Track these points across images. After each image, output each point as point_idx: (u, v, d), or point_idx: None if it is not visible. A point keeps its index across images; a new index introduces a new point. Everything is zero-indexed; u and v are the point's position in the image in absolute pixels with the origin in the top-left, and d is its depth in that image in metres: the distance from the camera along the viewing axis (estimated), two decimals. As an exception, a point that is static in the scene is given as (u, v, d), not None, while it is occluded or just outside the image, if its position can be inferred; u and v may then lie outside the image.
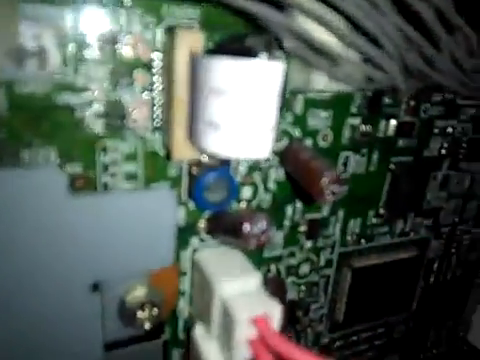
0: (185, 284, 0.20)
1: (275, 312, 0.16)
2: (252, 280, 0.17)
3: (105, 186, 0.16)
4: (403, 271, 0.25)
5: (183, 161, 0.17)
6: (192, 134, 0.15)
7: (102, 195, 0.16)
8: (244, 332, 0.16)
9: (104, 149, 0.16)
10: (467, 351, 0.32)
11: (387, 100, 0.21)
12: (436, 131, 0.23)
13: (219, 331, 0.17)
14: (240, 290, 0.17)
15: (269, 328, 0.16)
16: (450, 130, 0.23)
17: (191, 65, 0.14)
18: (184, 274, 0.19)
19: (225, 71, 0.13)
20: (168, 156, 0.17)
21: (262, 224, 0.16)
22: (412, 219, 0.25)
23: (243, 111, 0.13)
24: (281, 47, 0.14)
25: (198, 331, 0.19)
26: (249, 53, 0.15)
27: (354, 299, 0.24)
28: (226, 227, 0.17)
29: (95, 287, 0.17)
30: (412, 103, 0.22)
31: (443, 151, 0.24)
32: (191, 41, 0.14)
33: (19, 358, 0.16)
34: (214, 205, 0.17)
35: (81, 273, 0.16)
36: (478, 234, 0.28)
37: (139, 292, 0.18)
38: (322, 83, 0.16)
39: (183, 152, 0.15)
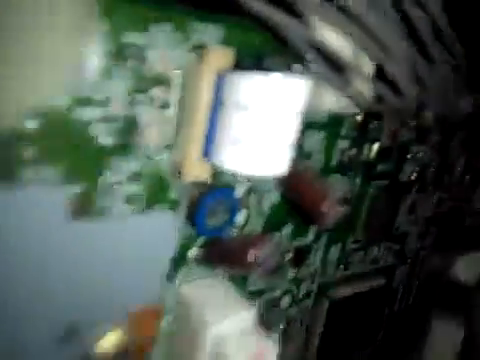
0: (164, 325, 0.17)
1: (270, 350, 0.14)
2: (245, 315, 0.15)
3: (101, 210, 0.13)
4: (372, 301, 0.25)
5: (194, 180, 0.14)
6: (208, 151, 0.13)
7: (99, 220, 0.13)
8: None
9: (108, 168, 0.13)
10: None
11: (372, 124, 0.21)
12: (409, 156, 0.24)
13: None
14: (233, 328, 0.15)
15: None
16: (420, 155, 0.24)
17: (216, 82, 0.12)
18: (164, 314, 0.16)
19: (253, 87, 0.12)
20: (178, 175, 0.14)
21: (269, 250, 0.14)
22: (384, 245, 0.25)
23: (265, 127, 0.12)
24: (301, 64, 0.13)
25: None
26: (270, 71, 0.13)
27: (327, 334, 0.23)
28: (227, 255, 0.15)
29: (67, 333, 0.13)
30: (393, 128, 0.22)
31: (413, 176, 0.24)
32: (220, 59, 0.13)
33: None
34: (213, 230, 0.15)
35: (57, 313, 0.13)
36: (435, 258, 0.29)
37: (110, 340, 0.15)
38: (328, 104, 0.15)
39: (195, 171, 0.13)
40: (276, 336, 0.17)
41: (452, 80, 0.18)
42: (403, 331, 0.29)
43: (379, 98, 0.15)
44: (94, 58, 0.12)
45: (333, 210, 0.16)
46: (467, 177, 0.27)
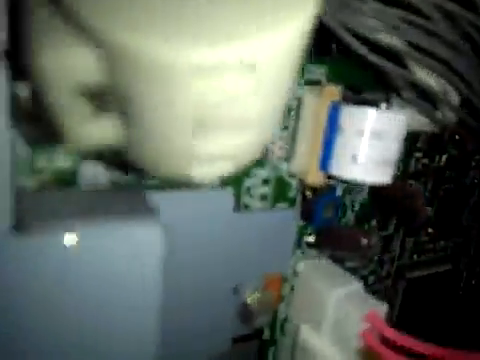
0: (285, 290, 0.23)
1: (381, 310, 0.20)
2: (355, 285, 0.21)
3: (245, 205, 0.20)
4: (441, 283, 0.30)
5: (314, 184, 0.20)
6: (326, 164, 0.19)
7: (246, 213, 0.19)
8: (359, 327, 0.20)
9: (248, 175, 0.19)
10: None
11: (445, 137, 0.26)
12: (473, 164, 0.28)
13: (332, 330, 0.21)
14: (349, 293, 0.21)
15: (381, 321, 0.19)
16: (483, 163, 0.29)
17: (330, 110, 0.18)
18: (285, 280, 0.23)
19: (366, 118, 0.17)
20: (300, 181, 0.20)
21: (375, 238, 0.20)
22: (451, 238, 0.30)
23: (377, 149, 0.17)
24: (399, 96, 0.19)
25: (305, 333, 0.22)
26: (370, 104, 0.19)
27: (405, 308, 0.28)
28: (341, 240, 0.21)
29: (235, 290, 0.20)
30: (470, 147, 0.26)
31: (476, 180, 0.29)
32: (332, 93, 0.18)
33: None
34: (326, 221, 0.21)
35: (226, 278, 0.19)
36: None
37: (257, 295, 0.21)
38: (416, 124, 0.21)
39: (315, 178, 0.19)
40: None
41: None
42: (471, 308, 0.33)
43: (461, 121, 0.20)
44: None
45: (424, 209, 0.21)
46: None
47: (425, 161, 0.26)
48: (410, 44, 0.17)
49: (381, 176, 0.18)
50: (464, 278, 0.32)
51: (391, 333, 0.19)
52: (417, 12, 0.16)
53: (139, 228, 0.11)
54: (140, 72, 0.08)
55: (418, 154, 0.25)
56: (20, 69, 0.09)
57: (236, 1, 0.09)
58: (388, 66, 0.17)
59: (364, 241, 0.19)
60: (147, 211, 0.13)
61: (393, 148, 0.18)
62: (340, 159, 0.18)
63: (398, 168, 0.24)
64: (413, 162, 0.25)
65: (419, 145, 0.25)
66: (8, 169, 0.11)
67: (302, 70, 0.19)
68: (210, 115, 0.09)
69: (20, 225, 0.11)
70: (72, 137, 0.10)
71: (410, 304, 0.28)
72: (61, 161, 0.14)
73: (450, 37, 0.17)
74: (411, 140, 0.24)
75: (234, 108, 0.09)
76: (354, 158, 0.18)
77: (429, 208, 0.22)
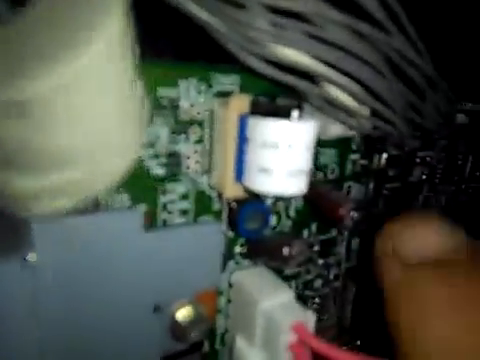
0: (221, 302, 0.23)
1: (310, 319, 0.20)
2: (286, 294, 0.21)
3: (164, 222, 0.19)
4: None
5: (232, 198, 0.20)
6: (240, 176, 0.18)
7: (164, 230, 0.19)
8: (287, 338, 0.19)
9: (164, 191, 0.19)
10: None
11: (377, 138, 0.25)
12: (418, 161, 0.28)
13: (262, 340, 0.20)
14: (278, 303, 0.20)
15: (307, 332, 0.19)
16: (428, 159, 0.28)
17: (239, 122, 0.18)
18: (221, 293, 0.23)
19: (273, 129, 0.17)
20: (218, 195, 0.20)
21: (299, 247, 0.19)
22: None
23: (288, 160, 0.17)
24: (310, 103, 0.18)
25: (240, 342, 0.22)
26: (282, 111, 0.18)
27: (358, 308, 0.28)
28: (266, 251, 0.20)
29: (156, 308, 0.19)
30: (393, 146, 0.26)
31: (423, 177, 0.29)
32: (240, 105, 0.18)
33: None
34: (252, 232, 0.21)
35: (145, 297, 0.19)
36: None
37: (188, 310, 0.21)
38: (334, 131, 0.20)
39: (233, 191, 0.19)
40: (311, 310, 0.22)
41: (442, 100, 0.22)
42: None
43: (376, 127, 0.20)
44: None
45: (348, 214, 0.21)
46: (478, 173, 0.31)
47: (363, 162, 0.25)
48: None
49: (294, 187, 0.18)
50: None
51: (316, 343, 0.19)
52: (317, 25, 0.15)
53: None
54: None
55: (354, 156, 0.25)
56: None
57: (36, 38, 0.08)
58: (301, 85, 0.17)
59: (286, 251, 0.19)
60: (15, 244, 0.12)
61: (302, 156, 0.17)
62: (251, 172, 0.18)
63: (332, 171, 0.24)
64: (350, 164, 0.25)
65: (354, 147, 0.25)
66: None
67: (211, 81, 0.19)
68: (19, 152, 0.09)
69: None
70: None
71: (363, 307, 0.28)
72: None
73: (365, 56, 0.16)
74: (343, 144, 0.24)
75: (46, 143, 0.09)
76: (263, 170, 0.17)
77: (357, 213, 0.21)
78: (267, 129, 0.17)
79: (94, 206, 0.17)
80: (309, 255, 0.25)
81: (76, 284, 0.16)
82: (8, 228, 0.13)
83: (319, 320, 0.27)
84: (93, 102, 0.09)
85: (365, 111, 0.18)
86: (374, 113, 0.19)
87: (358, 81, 0.17)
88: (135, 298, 0.19)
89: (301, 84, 0.16)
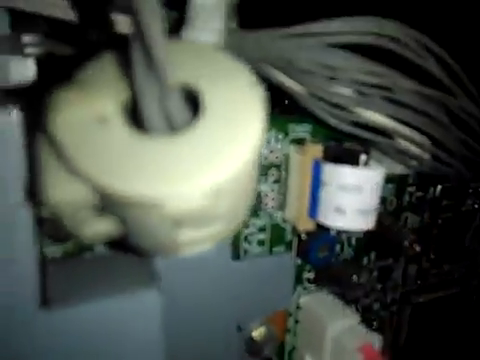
0: (290, 322, 0.25)
1: (376, 341, 0.22)
2: (352, 319, 0.23)
3: (245, 251, 0.22)
4: (450, 306, 0.31)
5: (304, 230, 0.23)
6: (314, 213, 0.21)
7: (246, 259, 0.22)
8: (355, 357, 0.21)
9: (246, 225, 0.22)
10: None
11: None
12: (470, 191, 0.29)
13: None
14: (345, 326, 0.23)
15: (375, 353, 0.21)
16: (480, 189, 0.30)
17: (313, 167, 0.21)
18: (290, 315, 0.25)
19: (347, 175, 0.19)
20: (294, 227, 0.23)
21: (366, 276, 0.21)
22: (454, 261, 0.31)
23: (359, 201, 0.19)
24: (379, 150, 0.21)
25: (309, 360, 0.24)
26: (350, 155, 0.21)
27: (413, 333, 0.30)
28: (335, 278, 0.23)
29: (238, 328, 0.22)
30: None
31: (476, 205, 0.30)
32: (314, 151, 0.21)
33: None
34: (321, 260, 0.23)
35: (229, 317, 0.22)
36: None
37: (261, 330, 0.24)
38: (397, 170, 0.23)
39: (305, 224, 0.21)
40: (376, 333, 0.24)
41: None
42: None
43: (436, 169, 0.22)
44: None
45: (412, 246, 0.23)
46: None
47: (419, 194, 0.27)
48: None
49: (362, 224, 0.20)
50: (474, 300, 0.33)
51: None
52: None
53: (138, 296, 0.14)
54: (126, 207, 0.11)
55: (411, 188, 0.27)
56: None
57: (192, 146, 0.11)
58: (378, 139, 0.19)
59: (355, 278, 0.21)
60: (148, 277, 0.15)
61: (371, 198, 0.20)
62: (325, 210, 0.20)
63: (391, 203, 0.26)
64: (407, 196, 0.27)
65: (410, 181, 0.27)
66: (33, 252, 0.14)
67: (287, 130, 0.21)
68: (184, 222, 0.11)
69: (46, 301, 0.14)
70: (81, 236, 0.13)
71: (418, 329, 0.30)
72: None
73: (432, 113, 0.18)
74: (401, 178, 0.26)
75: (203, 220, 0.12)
76: (337, 209, 0.20)
77: (417, 245, 0.23)
78: (342, 175, 0.19)
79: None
80: (372, 284, 0.27)
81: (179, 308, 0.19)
82: (135, 262, 0.16)
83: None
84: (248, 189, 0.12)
85: (426, 156, 0.21)
86: (434, 157, 0.21)
87: (424, 132, 0.19)
88: (220, 318, 0.21)
89: (378, 139, 0.18)
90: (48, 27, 0.18)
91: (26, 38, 0.18)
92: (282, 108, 0.21)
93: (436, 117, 0.18)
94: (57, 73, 0.14)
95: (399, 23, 0.15)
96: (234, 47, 0.17)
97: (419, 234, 0.28)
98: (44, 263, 0.16)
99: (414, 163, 0.21)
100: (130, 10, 0.11)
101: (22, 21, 0.18)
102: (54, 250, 0.17)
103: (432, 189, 0.28)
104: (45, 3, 0.15)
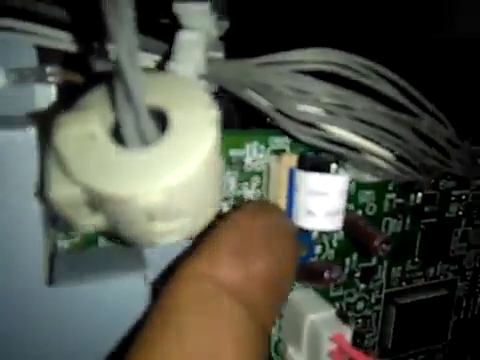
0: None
1: (347, 332, 0.24)
2: (329, 312, 0.25)
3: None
4: (436, 307, 0.33)
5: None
6: (290, 216, 0.24)
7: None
8: (328, 347, 0.24)
9: (232, 226, 0.25)
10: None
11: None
12: (453, 199, 0.31)
13: (308, 349, 0.25)
14: (321, 318, 0.25)
15: (345, 342, 0.24)
16: (464, 197, 0.32)
17: (289, 175, 0.23)
18: (276, 309, 0.28)
19: (314, 181, 0.22)
20: None
21: (337, 271, 0.24)
22: (441, 265, 0.33)
23: (326, 204, 0.22)
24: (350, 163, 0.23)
25: (291, 351, 0.26)
26: (323, 164, 0.24)
27: (399, 330, 0.32)
28: (310, 274, 0.25)
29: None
30: (433, 181, 0.30)
31: (460, 213, 0.32)
32: (289, 161, 0.23)
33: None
34: (300, 259, 0.26)
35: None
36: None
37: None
38: (369, 179, 0.25)
39: (284, 227, 0.24)
40: (350, 327, 0.26)
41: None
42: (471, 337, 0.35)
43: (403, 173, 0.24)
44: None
45: (381, 246, 0.25)
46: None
47: (399, 201, 0.30)
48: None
49: (331, 224, 0.23)
50: (462, 302, 0.35)
51: (354, 353, 0.23)
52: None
53: (126, 280, 0.17)
54: (109, 203, 0.14)
55: (391, 195, 0.29)
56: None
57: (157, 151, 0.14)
58: (349, 154, 0.22)
59: (326, 274, 0.24)
60: (137, 265, 0.19)
61: (338, 201, 0.22)
62: (299, 213, 0.23)
63: (370, 208, 0.29)
64: (387, 203, 0.29)
65: (390, 188, 0.29)
66: (41, 240, 0.17)
67: (268, 142, 0.24)
68: (155, 215, 0.15)
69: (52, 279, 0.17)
70: (79, 227, 0.16)
71: (403, 329, 0.32)
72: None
73: (398, 133, 0.21)
74: (381, 185, 0.29)
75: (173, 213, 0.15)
76: (308, 212, 0.23)
77: (387, 246, 0.25)
78: (311, 181, 0.22)
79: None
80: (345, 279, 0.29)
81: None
82: (128, 253, 0.20)
83: (362, 340, 0.31)
84: (205, 190, 0.15)
85: (388, 166, 0.23)
86: (395, 167, 0.23)
87: (383, 145, 0.21)
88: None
89: (342, 151, 0.21)
90: (64, 58, 0.22)
91: (48, 69, 0.22)
92: (264, 123, 0.24)
93: (402, 135, 0.21)
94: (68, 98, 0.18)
95: (344, 52, 0.18)
96: (215, 74, 0.21)
97: (401, 238, 0.30)
98: (54, 253, 0.19)
99: (380, 173, 0.23)
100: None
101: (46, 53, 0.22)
102: (62, 244, 0.20)
103: (413, 196, 0.30)
104: (51, 38, 0.19)
